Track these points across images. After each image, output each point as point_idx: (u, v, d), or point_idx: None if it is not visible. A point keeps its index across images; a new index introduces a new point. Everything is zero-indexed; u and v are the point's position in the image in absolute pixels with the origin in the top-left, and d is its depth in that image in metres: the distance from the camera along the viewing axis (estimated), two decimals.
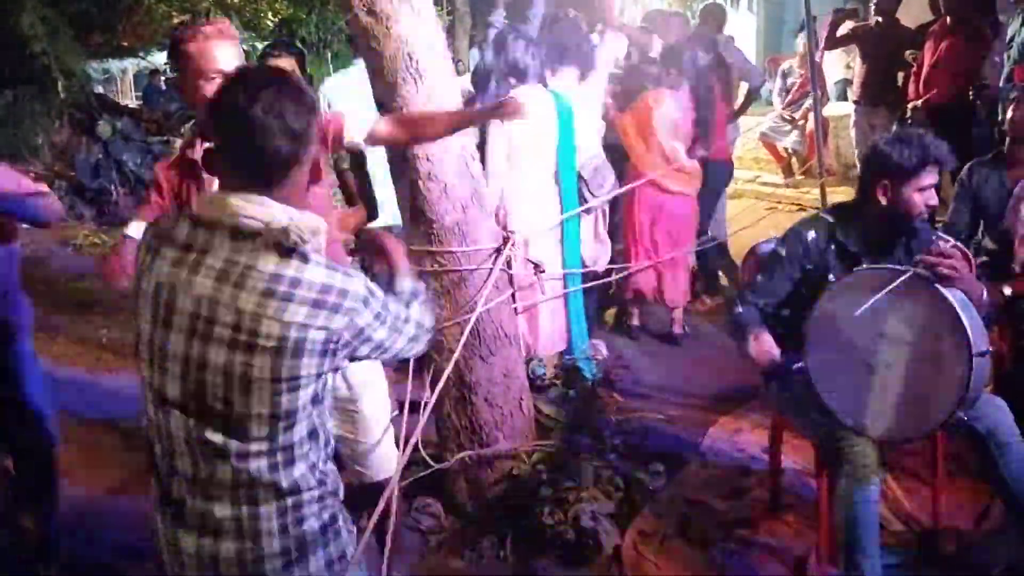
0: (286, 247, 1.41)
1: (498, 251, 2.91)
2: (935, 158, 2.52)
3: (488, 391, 2.96)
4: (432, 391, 2.63)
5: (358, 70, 3.70)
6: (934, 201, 2.57)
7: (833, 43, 6.81)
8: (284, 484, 1.47)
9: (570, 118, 3.93)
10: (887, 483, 3.02)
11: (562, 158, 3.91)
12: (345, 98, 4.00)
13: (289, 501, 1.48)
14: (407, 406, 2.61)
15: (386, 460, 2.47)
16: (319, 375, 1.45)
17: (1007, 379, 3.09)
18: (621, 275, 4.53)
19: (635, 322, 4.90)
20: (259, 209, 1.41)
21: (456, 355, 2.72)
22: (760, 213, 7.26)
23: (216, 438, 1.44)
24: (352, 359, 1.53)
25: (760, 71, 7.15)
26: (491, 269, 2.87)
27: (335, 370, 1.50)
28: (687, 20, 5.97)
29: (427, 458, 2.96)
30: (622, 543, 2.84)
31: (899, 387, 2.38)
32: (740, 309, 2.71)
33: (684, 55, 4.58)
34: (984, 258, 3.27)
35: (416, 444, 2.96)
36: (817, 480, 2.64)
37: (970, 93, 5.63)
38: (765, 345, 2.61)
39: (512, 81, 3.77)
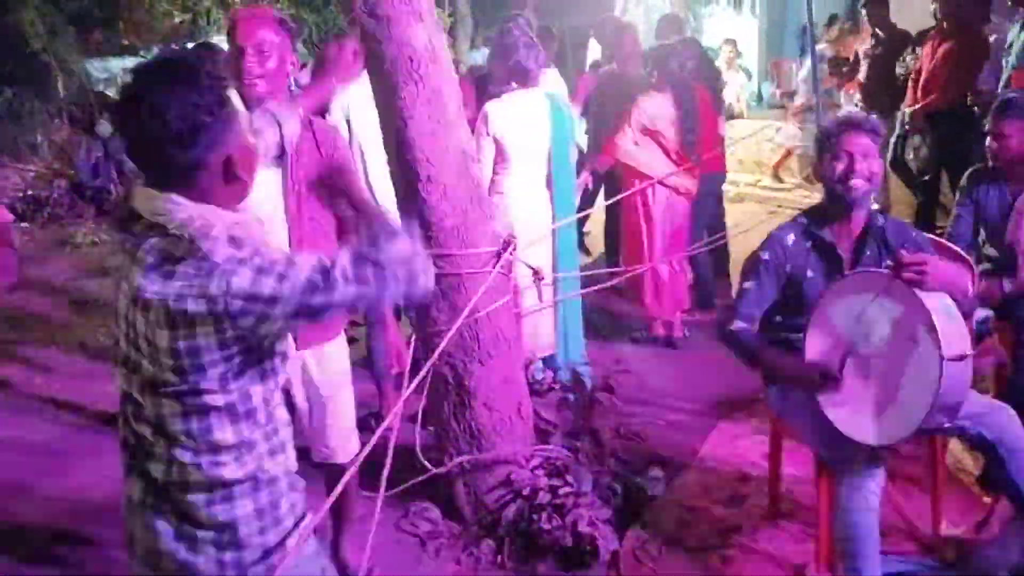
0: (179, 252, 1.38)
1: (498, 255, 2.89)
2: (851, 123, 2.56)
3: (487, 396, 2.95)
4: (424, 391, 2.66)
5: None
6: (867, 168, 2.52)
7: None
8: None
9: (564, 121, 3.91)
10: (888, 491, 3.01)
11: (556, 161, 3.89)
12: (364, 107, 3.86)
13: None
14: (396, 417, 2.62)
15: (349, 442, 2.59)
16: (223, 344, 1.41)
17: (1010, 385, 3.08)
18: (618, 279, 4.51)
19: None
20: (163, 205, 1.39)
21: (441, 347, 2.68)
22: (762, 217, 7.23)
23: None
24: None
25: None
26: (490, 272, 2.85)
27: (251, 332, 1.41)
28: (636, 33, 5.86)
29: (425, 462, 2.94)
30: (620, 549, 2.83)
31: (883, 391, 2.36)
32: (738, 325, 2.63)
33: (670, 59, 4.54)
34: (987, 265, 3.25)
35: (414, 448, 2.97)
36: (816, 487, 2.63)
37: (968, 99, 5.63)
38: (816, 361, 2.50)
39: (514, 85, 3.75)
